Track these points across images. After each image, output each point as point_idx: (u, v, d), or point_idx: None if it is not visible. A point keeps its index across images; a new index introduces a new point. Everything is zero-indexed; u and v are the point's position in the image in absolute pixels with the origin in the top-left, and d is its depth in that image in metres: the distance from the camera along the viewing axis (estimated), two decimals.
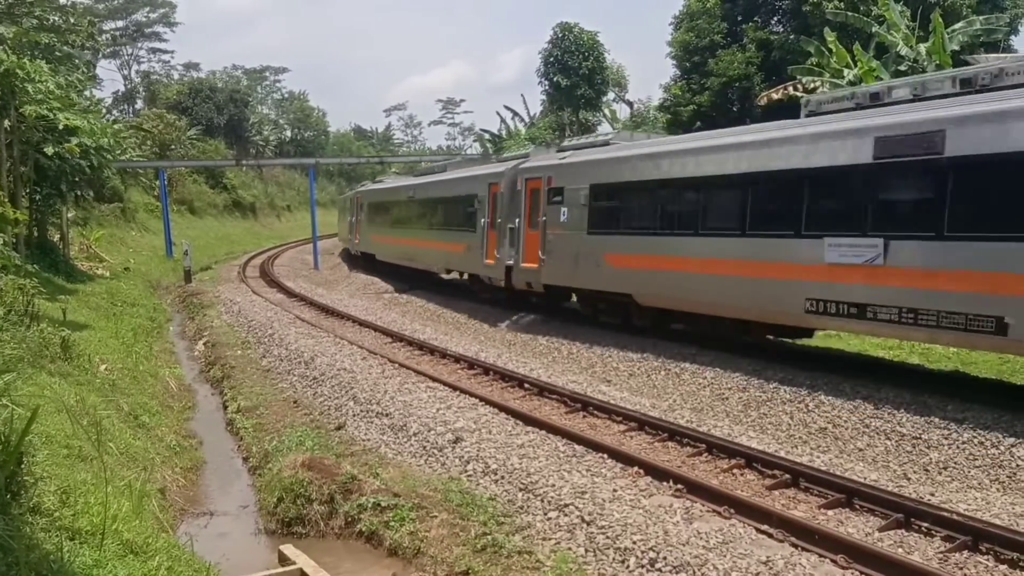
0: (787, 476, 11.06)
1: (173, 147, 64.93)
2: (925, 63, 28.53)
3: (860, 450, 12.88)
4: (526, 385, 16.78)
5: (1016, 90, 12.68)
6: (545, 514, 10.00)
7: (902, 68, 29.19)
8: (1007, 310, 12.12)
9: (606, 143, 23.12)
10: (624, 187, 20.39)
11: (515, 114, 71.22)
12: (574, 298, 24.37)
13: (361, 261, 45.53)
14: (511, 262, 24.71)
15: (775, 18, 39.50)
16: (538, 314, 24.82)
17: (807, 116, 16.67)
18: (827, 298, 14.86)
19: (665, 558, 8.55)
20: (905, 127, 13.78)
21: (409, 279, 36.53)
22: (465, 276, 30.71)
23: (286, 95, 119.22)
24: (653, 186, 19.45)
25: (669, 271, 18.83)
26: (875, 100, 15.31)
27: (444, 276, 33.61)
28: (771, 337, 18.57)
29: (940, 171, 13.04)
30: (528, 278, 24.08)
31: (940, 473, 11.75)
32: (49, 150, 25.80)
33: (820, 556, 8.60)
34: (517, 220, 24.46)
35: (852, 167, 14.48)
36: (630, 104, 59.51)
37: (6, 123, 24.31)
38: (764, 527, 9.33)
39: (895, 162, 13.77)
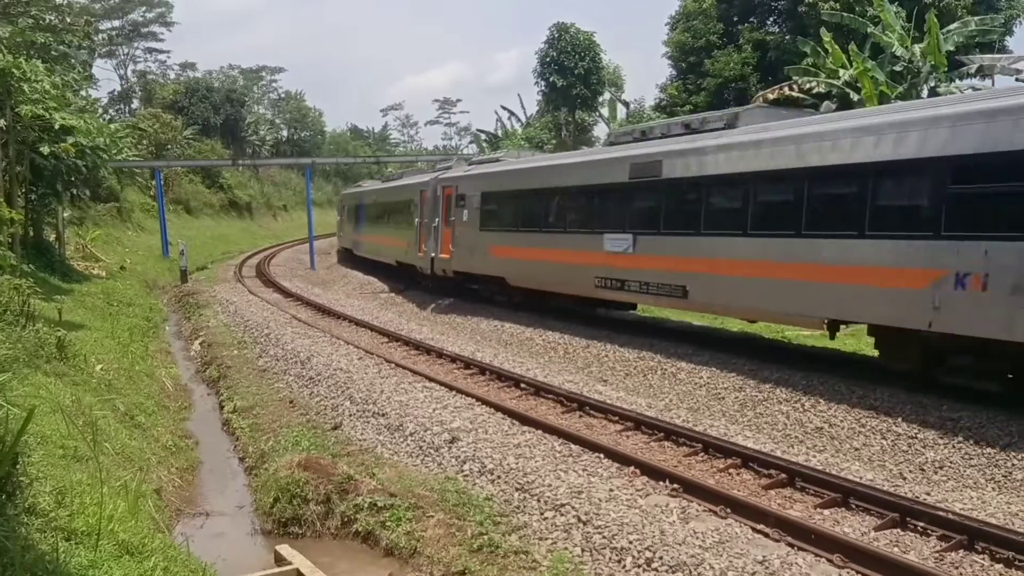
0: (783, 476, 11.07)
1: (169, 147, 64.88)
2: (920, 64, 28.54)
3: (856, 450, 12.90)
4: (522, 385, 16.78)
5: (708, 133, 18.55)
6: (541, 514, 9.99)
7: (897, 68, 29.21)
8: (688, 282, 18.41)
9: (496, 160, 30.84)
10: (500, 195, 26.76)
11: (511, 114, 71.32)
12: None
13: (359, 261, 46.07)
14: (433, 254, 30.47)
15: (771, 19, 39.54)
16: (455, 297, 30.09)
17: (606, 145, 23.90)
18: (606, 276, 21.02)
19: (661, 558, 8.56)
20: (644, 157, 19.84)
21: (406, 279, 36.53)
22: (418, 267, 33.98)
23: (282, 95, 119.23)
24: (515, 194, 25.99)
25: (529, 260, 24.78)
26: (645, 135, 21.34)
27: (395, 265, 37.51)
28: (602, 310, 24.40)
29: (659, 188, 19.35)
30: (444, 266, 29.87)
31: (936, 472, 11.77)
32: (45, 150, 25.75)
33: (816, 556, 8.61)
34: (437, 220, 30.20)
35: (619, 184, 20.59)
36: (626, 104, 59.41)
37: (2, 123, 24.22)
38: (760, 527, 9.33)
39: (639, 181, 19.96)
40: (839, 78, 29.66)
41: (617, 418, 14.18)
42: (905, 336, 14.02)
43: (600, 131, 61.38)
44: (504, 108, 73.88)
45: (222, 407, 17.32)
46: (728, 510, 9.82)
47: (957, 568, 8.49)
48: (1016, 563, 8.43)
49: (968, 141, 12.50)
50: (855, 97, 28.87)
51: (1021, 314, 11.82)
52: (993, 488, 11.08)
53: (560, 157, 26.60)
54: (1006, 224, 11.99)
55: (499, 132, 71.97)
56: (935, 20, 27.26)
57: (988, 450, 11.79)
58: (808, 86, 30.54)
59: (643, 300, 20.99)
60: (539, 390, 16.31)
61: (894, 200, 14.02)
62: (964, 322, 12.69)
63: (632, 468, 11.42)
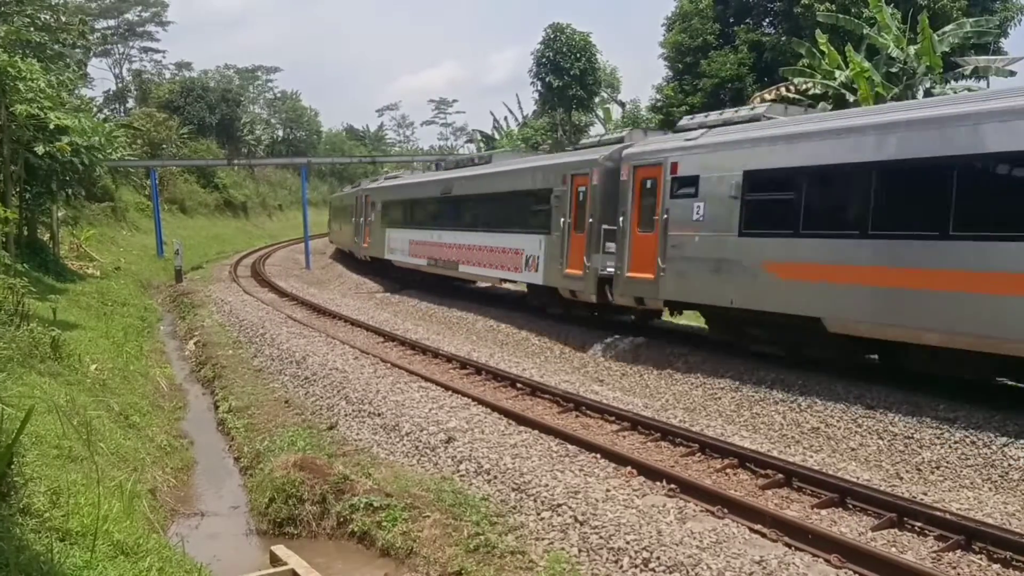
0: (780, 476, 11.06)
1: (164, 146, 64.75)
2: (915, 65, 28.58)
3: (852, 450, 12.90)
4: (518, 385, 16.76)
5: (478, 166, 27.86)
6: (538, 514, 9.97)
7: (893, 70, 29.25)
8: (461, 258, 27.45)
9: (396, 176, 42.77)
10: (389, 202, 38.15)
11: (510, 112, 71.34)
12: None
13: (364, 265, 43.09)
14: (364, 244, 39.66)
15: (767, 20, 39.56)
16: (371, 274, 38.67)
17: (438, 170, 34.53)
18: (436, 257, 30.95)
19: (659, 558, 8.54)
20: (445, 181, 30.60)
21: (403, 279, 36.54)
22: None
23: (278, 95, 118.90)
24: (397, 202, 37.50)
25: (408, 245, 34.54)
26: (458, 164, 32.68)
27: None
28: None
29: (452, 200, 29.82)
30: (364, 253, 40.99)
31: (932, 472, 11.77)
32: (40, 149, 25.67)
33: (814, 556, 8.59)
34: (363, 219, 38.76)
35: (435, 197, 30.65)
36: (622, 105, 59.45)
37: None
38: (758, 527, 9.32)
39: (445, 196, 30.04)
40: (835, 79, 29.68)
41: (614, 418, 14.17)
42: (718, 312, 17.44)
43: (596, 131, 61.47)
44: (504, 105, 73.87)
45: (217, 407, 17.27)
46: (725, 510, 9.81)
47: (955, 568, 8.48)
48: (1013, 563, 8.43)
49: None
50: (851, 98, 28.90)
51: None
52: (990, 488, 11.09)
53: (417, 176, 39.54)
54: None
55: (494, 133, 72.00)
56: (927, 22, 27.31)
57: (984, 450, 11.79)
58: (804, 87, 30.56)
59: (443, 271, 30.98)
60: (535, 390, 16.29)
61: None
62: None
63: (629, 468, 11.41)
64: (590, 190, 21.06)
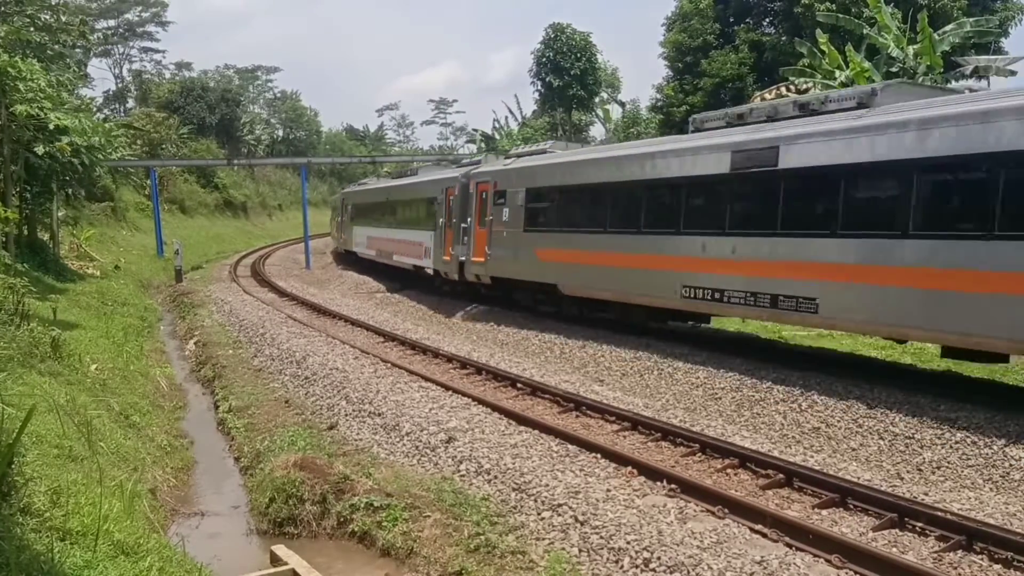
0: (781, 476, 11.04)
1: (164, 146, 64.75)
2: (915, 65, 28.58)
3: (853, 450, 12.89)
4: (519, 385, 16.75)
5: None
6: (539, 514, 9.96)
7: (893, 70, 29.25)
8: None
9: (364, 183, 45.32)
10: (360, 204, 41.91)
11: (510, 112, 71.32)
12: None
13: (356, 261, 46.10)
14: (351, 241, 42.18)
15: (767, 19, 39.55)
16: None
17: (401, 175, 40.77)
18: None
19: (659, 558, 8.53)
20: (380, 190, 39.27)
21: (401, 279, 36.58)
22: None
23: (278, 94, 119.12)
24: (368, 205, 43.52)
25: (373, 240, 39.86)
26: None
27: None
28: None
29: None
30: (344, 247, 42.54)
31: (933, 473, 11.77)
32: (40, 149, 25.67)
33: (815, 556, 8.58)
34: (343, 218, 42.86)
35: (380, 202, 37.89)
36: (622, 104, 59.39)
37: None
38: (758, 527, 9.31)
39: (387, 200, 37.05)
40: (835, 79, 29.69)
41: (614, 418, 14.15)
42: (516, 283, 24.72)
43: (596, 131, 61.45)
44: (504, 104, 73.90)
45: (217, 407, 17.26)
46: (726, 510, 9.80)
47: (956, 568, 8.47)
48: (1015, 563, 8.41)
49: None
50: None
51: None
52: (991, 488, 11.08)
53: (373, 183, 46.07)
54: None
55: (495, 134, 71.99)
56: (927, 21, 27.30)
57: (985, 451, 11.79)
58: (804, 87, 30.54)
59: (384, 260, 37.99)
60: (535, 390, 16.28)
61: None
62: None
63: (629, 468, 11.39)
64: (454, 199, 28.76)
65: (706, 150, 17.97)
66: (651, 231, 19.59)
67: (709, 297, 17.67)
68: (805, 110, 16.46)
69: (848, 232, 14.66)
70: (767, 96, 32.06)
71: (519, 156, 26.94)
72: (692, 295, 18.11)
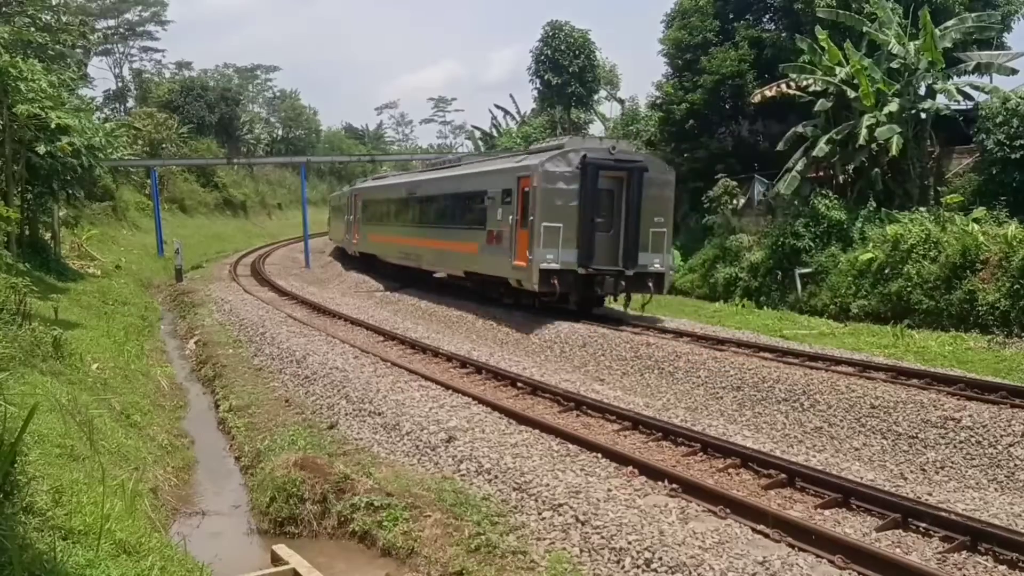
0: (783, 476, 11.02)
1: (164, 145, 64.76)
2: (917, 61, 28.52)
3: (856, 449, 12.88)
4: (519, 384, 16.72)
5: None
6: (539, 514, 9.94)
7: (894, 66, 29.18)
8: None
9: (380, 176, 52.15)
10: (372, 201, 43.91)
11: (506, 112, 71.28)
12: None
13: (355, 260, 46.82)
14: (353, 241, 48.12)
15: (767, 16, 39.45)
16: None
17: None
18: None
19: (661, 558, 8.51)
20: (344, 194, 55.60)
21: (401, 278, 36.62)
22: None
23: (277, 93, 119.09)
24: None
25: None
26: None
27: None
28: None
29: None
30: (351, 248, 46.84)
31: (937, 473, 11.75)
32: (41, 149, 25.67)
33: (817, 556, 8.56)
34: (351, 216, 46.88)
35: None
36: (621, 102, 59.33)
37: None
38: (760, 527, 9.28)
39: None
40: (835, 75, 29.62)
41: (615, 417, 14.12)
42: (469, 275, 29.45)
43: (596, 129, 61.43)
44: (499, 107, 73.72)
45: (218, 406, 17.24)
46: (728, 510, 9.77)
47: (960, 569, 8.46)
48: (1020, 564, 8.39)
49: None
50: (852, 94, 28.85)
51: (489, 260, 26.38)
52: (996, 489, 11.07)
53: (345, 189, 55.98)
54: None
55: (493, 131, 71.96)
56: (928, 17, 27.21)
57: (990, 450, 11.77)
58: (805, 84, 30.50)
59: (343, 246, 49.99)
60: (536, 389, 16.26)
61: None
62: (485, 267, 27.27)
63: (630, 468, 11.37)
64: (353, 203, 45.62)
65: (397, 186, 38.51)
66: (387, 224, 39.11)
67: (407, 257, 35.43)
68: (438, 165, 38.71)
69: (434, 225, 32.21)
70: (767, 93, 32.06)
71: (370, 178, 48.59)
72: (404, 256, 35.78)
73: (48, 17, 32.93)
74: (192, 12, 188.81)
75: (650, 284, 23.51)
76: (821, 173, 32.77)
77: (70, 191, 31.80)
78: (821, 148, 29.43)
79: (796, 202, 30.76)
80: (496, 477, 11.19)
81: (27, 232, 28.91)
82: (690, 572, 8.23)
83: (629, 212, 23.13)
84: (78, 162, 27.88)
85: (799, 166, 30.76)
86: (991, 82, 30.91)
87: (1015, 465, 11.32)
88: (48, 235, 33.15)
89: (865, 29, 29.77)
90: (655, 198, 23.55)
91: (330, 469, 11.58)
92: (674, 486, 10.60)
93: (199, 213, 69.50)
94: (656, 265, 23.55)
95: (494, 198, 25.96)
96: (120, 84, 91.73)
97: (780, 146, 32.03)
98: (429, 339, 22.07)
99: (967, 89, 30.29)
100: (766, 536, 9.12)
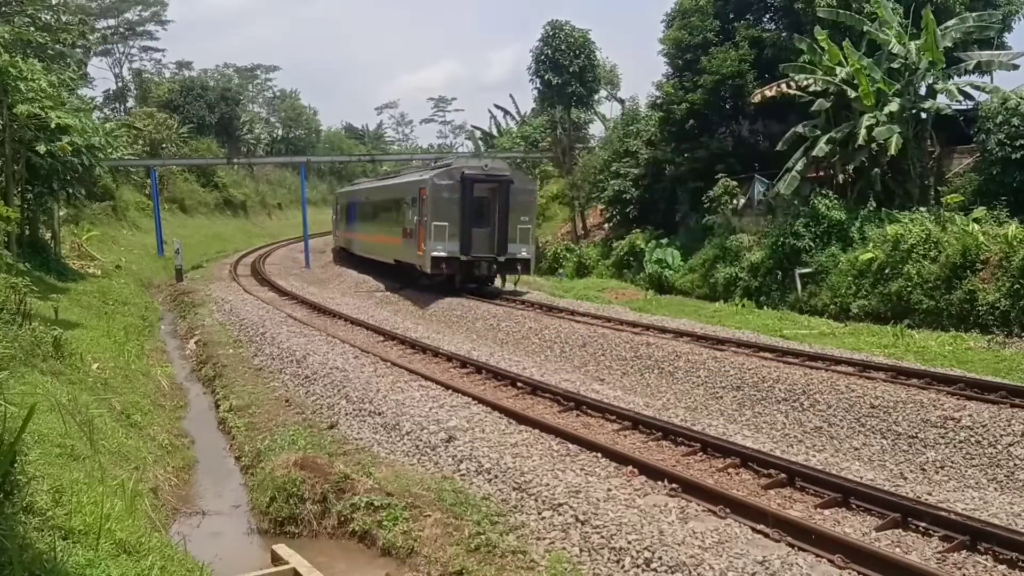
0: (783, 475, 11.02)
1: (164, 145, 64.79)
2: (917, 60, 28.51)
3: (856, 449, 12.88)
4: (519, 384, 16.71)
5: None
6: (539, 513, 9.95)
7: (895, 66, 29.17)
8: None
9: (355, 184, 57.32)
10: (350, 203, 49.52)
11: (506, 112, 71.25)
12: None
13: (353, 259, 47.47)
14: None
15: (767, 16, 39.39)
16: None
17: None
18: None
19: (660, 558, 8.51)
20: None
21: (401, 278, 36.63)
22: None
23: (277, 93, 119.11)
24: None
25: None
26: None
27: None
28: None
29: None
30: (336, 242, 54.56)
31: (937, 472, 11.76)
32: (41, 148, 25.67)
33: (817, 556, 8.56)
34: (335, 216, 54.43)
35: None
36: (621, 102, 59.24)
37: None
38: (760, 527, 9.29)
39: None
40: (836, 75, 29.60)
41: (615, 417, 14.12)
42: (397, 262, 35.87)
43: (596, 129, 61.39)
44: (498, 107, 73.67)
45: (218, 406, 17.26)
46: (727, 510, 9.78)
47: (960, 569, 8.45)
48: (1020, 564, 8.39)
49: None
50: (852, 94, 28.83)
51: (406, 250, 33.35)
52: (995, 488, 11.07)
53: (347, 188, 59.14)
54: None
55: (492, 130, 71.90)
56: (931, 16, 27.18)
57: (990, 450, 11.78)
58: (805, 84, 30.47)
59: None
60: (536, 389, 16.25)
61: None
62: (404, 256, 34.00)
63: (630, 467, 11.37)
64: (336, 204, 54.07)
65: (360, 191, 46.36)
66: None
67: (365, 249, 42.78)
68: (385, 175, 49.28)
69: (377, 223, 39.38)
70: (768, 92, 32.04)
71: (353, 184, 56.37)
72: (364, 249, 42.88)
73: (48, 16, 32.96)
74: (192, 12, 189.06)
75: (518, 267, 30.77)
76: (821, 173, 32.74)
77: (70, 191, 31.82)
78: (821, 148, 29.40)
79: (796, 202, 30.72)
80: (496, 477, 11.20)
81: (27, 232, 28.93)
82: (690, 572, 8.24)
83: (499, 213, 29.88)
84: (78, 161, 27.89)
85: (799, 166, 30.72)
86: (991, 82, 30.87)
87: (1015, 465, 11.33)
88: (48, 235, 33.19)
89: (865, 29, 29.74)
90: (520, 203, 30.48)
91: (330, 469, 11.60)
92: (674, 486, 10.60)
93: (199, 213, 69.54)
94: (523, 253, 30.62)
95: (408, 203, 33.31)
96: (120, 84, 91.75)
97: (780, 146, 31.97)
98: (429, 339, 22.07)
99: (967, 89, 30.25)
100: (766, 536, 9.13)
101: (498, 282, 32.15)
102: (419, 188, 31.33)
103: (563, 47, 44.54)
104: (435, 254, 29.61)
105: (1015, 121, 26.09)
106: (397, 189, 36.57)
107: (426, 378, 17.06)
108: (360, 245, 45.10)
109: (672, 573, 8.30)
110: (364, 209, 44.18)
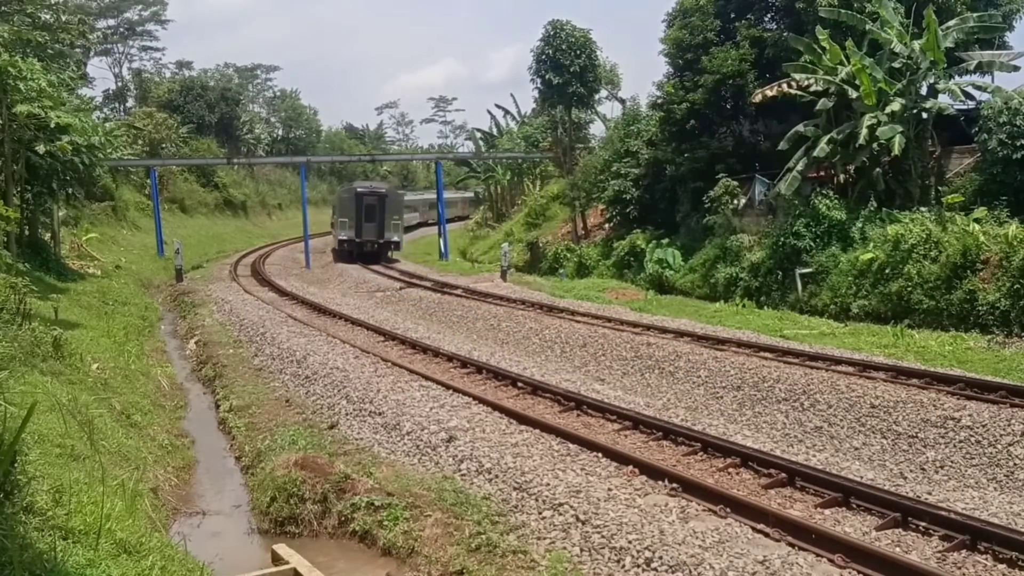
0: (783, 475, 11.02)
1: (164, 145, 64.81)
2: (919, 60, 28.49)
3: (856, 449, 12.88)
4: (519, 384, 16.71)
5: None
6: (540, 513, 9.95)
7: (896, 65, 29.14)
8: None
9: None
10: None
11: (507, 112, 71.22)
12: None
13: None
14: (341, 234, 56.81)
15: (768, 15, 39.34)
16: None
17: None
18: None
19: (661, 557, 8.52)
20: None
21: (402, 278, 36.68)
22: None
23: (277, 93, 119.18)
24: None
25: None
26: None
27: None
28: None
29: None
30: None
31: (937, 472, 11.75)
32: (41, 148, 25.67)
33: (817, 555, 8.56)
34: (335, 216, 57.73)
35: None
36: (622, 102, 59.25)
37: None
38: (760, 526, 9.29)
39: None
40: (837, 75, 29.57)
41: (615, 417, 14.11)
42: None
43: (597, 129, 61.39)
44: (499, 107, 73.70)
45: (218, 406, 17.26)
46: (728, 510, 9.78)
47: (960, 568, 8.45)
48: (1019, 563, 8.38)
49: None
50: (853, 94, 28.81)
51: (337, 235, 52.60)
52: (995, 488, 11.07)
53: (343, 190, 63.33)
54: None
55: (493, 131, 71.86)
56: (933, 16, 27.16)
57: (990, 450, 11.78)
58: (806, 83, 30.44)
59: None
60: (536, 389, 16.25)
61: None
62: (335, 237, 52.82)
63: (631, 467, 11.38)
64: (338, 206, 55.17)
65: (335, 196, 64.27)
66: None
67: (336, 237, 53.12)
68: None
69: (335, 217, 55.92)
70: (768, 92, 32.00)
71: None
72: (337, 237, 52.25)
73: (47, 16, 32.91)
74: (192, 12, 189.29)
75: (392, 246, 50.49)
76: (822, 173, 32.70)
77: (70, 191, 31.82)
78: (822, 148, 29.35)
79: (797, 202, 30.67)
80: (496, 477, 11.20)
81: (27, 232, 28.94)
82: (690, 571, 8.24)
83: (380, 213, 49.35)
84: (78, 161, 27.89)
85: (800, 166, 30.67)
86: (993, 81, 30.82)
87: (1014, 464, 11.33)
88: (48, 235, 33.19)
89: (867, 28, 29.71)
90: (392, 207, 50.63)
91: (330, 469, 11.60)
92: (674, 485, 10.61)
93: (199, 213, 69.56)
94: (395, 238, 50.59)
95: (338, 205, 53.39)
96: (120, 84, 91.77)
97: (781, 146, 31.90)
98: (429, 339, 22.07)
99: (969, 89, 30.21)
100: (766, 535, 9.13)
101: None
102: (340, 197, 53.17)
103: (564, 47, 44.49)
104: (341, 237, 50.24)
105: (1017, 121, 26.06)
106: (334, 199, 63.28)
107: (427, 378, 17.06)
108: (337, 234, 56.89)
109: (672, 573, 8.30)
110: (333, 208, 61.36)
